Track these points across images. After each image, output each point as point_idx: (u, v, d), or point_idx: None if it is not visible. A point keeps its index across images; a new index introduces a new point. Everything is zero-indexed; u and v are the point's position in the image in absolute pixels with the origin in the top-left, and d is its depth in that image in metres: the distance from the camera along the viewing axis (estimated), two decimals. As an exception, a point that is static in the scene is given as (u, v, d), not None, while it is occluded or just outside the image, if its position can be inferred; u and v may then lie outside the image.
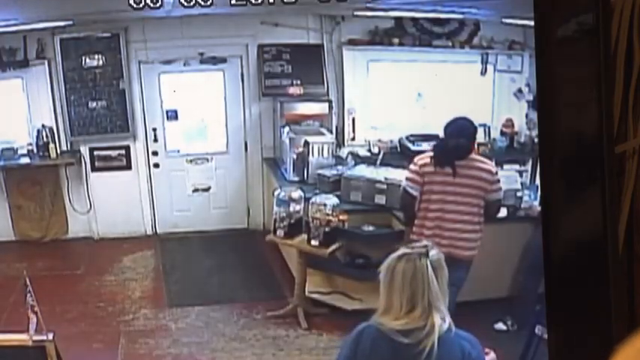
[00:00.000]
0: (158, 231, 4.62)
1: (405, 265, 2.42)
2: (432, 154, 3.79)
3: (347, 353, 2.51)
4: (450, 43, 4.59)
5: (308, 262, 4.19)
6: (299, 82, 4.57)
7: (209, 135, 4.66)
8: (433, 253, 2.44)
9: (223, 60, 4.55)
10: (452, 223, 3.70)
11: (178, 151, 4.65)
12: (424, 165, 3.75)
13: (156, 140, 4.60)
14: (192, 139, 4.66)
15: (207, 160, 4.67)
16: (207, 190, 4.68)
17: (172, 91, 4.54)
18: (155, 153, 4.63)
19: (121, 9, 3.33)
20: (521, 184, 4.19)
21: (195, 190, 4.67)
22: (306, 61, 4.60)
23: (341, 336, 3.93)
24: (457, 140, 3.73)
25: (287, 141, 4.56)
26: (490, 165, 3.81)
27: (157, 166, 4.64)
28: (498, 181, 3.77)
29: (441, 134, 3.82)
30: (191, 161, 4.66)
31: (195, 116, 4.63)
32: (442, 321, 2.40)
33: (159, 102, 4.56)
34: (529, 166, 4.38)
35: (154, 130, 4.59)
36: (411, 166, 3.80)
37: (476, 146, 3.96)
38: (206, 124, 4.66)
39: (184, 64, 4.46)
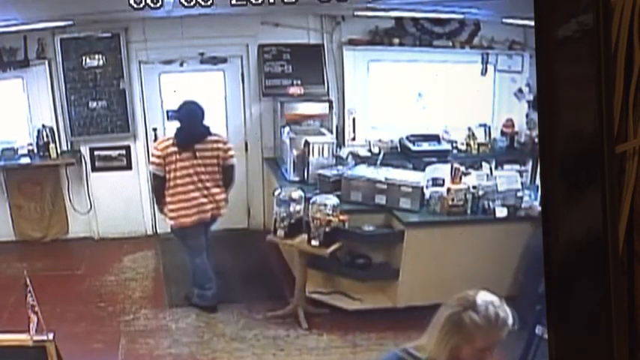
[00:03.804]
0: (158, 231, 4.62)
1: None
2: (171, 136, 4.22)
3: None
4: (451, 43, 4.60)
5: (308, 262, 4.19)
6: (299, 82, 4.57)
7: (209, 135, 4.65)
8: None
9: (224, 60, 4.55)
10: (206, 190, 4.22)
11: (179, 151, 4.65)
12: (165, 148, 4.19)
13: (156, 140, 4.60)
14: (193, 139, 4.65)
15: (208, 160, 4.66)
16: (207, 190, 4.67)
17: (173, 91, 4.53)
18: (155, 153, 4.63)
19: (121, 9, 3.32)
20: (522, 184, 4.19)
21: (196, 190, 4.67)
22: (307, 61, 4.59)
23: (341, 336, 3.94)
24: (195, 125, 4.18)
25: (287, 141, 4.56)
26: (223, 137, 4.30)
27: (157, 166, 4.64)
28: (230, 149, 4.27)
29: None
30: (191, 161, 4.65)
31: (195, 116, 4.62)
32: None
33: (159, 102, 4.55)
34: (529, 166, 4.38)
35: (155, 130, 4.58)
36: (154, 151, 4.23)
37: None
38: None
39: (181, 64, 4.45)
